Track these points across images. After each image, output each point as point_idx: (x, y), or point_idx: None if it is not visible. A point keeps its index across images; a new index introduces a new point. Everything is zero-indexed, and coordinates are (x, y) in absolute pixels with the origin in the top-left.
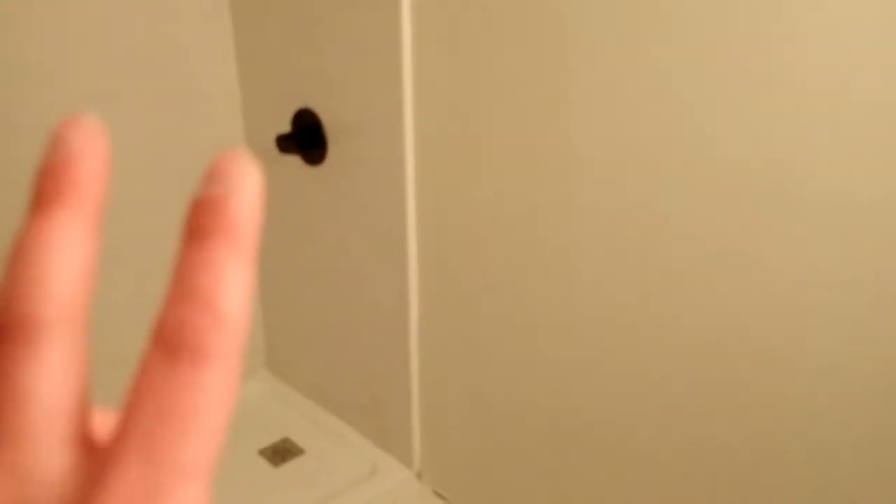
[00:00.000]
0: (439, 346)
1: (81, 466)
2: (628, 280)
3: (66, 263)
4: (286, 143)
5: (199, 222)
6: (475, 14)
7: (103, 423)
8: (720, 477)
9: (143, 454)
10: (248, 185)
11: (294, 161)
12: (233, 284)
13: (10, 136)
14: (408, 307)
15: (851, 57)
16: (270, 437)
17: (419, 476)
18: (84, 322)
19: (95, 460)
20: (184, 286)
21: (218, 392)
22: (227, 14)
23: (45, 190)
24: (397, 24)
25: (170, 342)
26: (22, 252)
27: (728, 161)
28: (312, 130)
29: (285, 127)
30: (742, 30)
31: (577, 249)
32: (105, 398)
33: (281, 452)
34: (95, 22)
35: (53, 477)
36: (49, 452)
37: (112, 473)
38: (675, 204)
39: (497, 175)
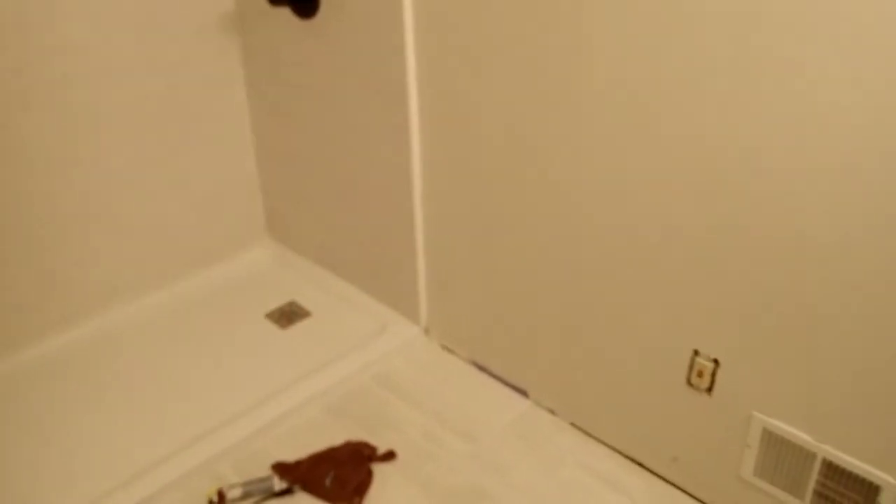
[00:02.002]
0: (442, 201)
1: None
2: (635, 119)
3: None
4: None
5: None
6: None
7: None
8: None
9: None
10: None
11: (285, 14)
12: None
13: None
14: (410, 162)
15: None
16: (276, 301)
17: (426, 331)
18: None
19: None
20: None
21: None
22: None
23: None
24: None
25: None
26: None
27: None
28: None
29: None
30: None
31: (579, 94)
32: None
33: (288, 315)
34: None
35: None
36: None
37: None
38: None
39: (501, 21)
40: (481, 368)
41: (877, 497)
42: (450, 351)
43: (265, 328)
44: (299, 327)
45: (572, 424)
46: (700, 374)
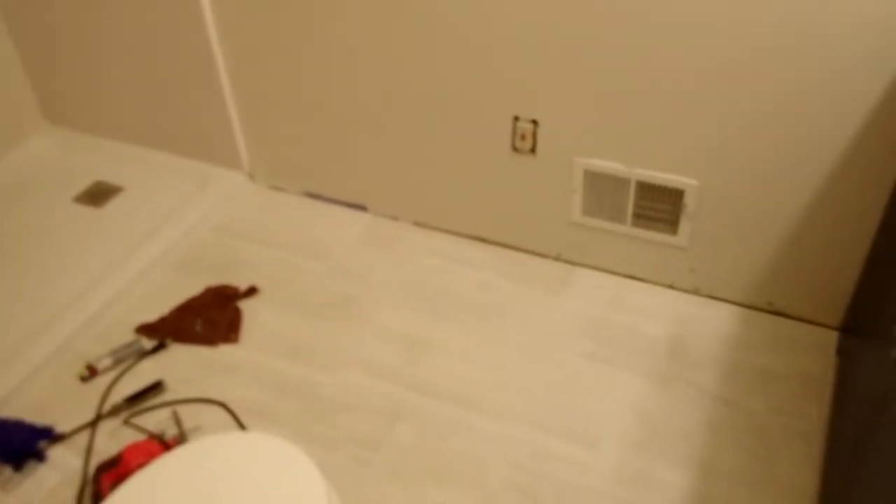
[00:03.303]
0: (241, 35)
1: None
2: None
3: None
4: None
5: None
6: None
7: None
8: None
9: None
10: None
11: None
12: None
13: None
14: (201, 9)
15: None
16: (80, 184)
17: (252, 177)
18: None
19: None
20: None
21: None
22: None
23: None
24: None
25: None
26: None
27: None
28: None
29: None
30: None
31: None
32: None
33: (98, 195)
34: None
35: None
36: None
37: None
38: None
39: None
40: (316, 197)
41: (682, 200)
42: (280, 189)
43: (79, 212)
44: (116, 203)
45: (416, 223)
46: (523, 137)
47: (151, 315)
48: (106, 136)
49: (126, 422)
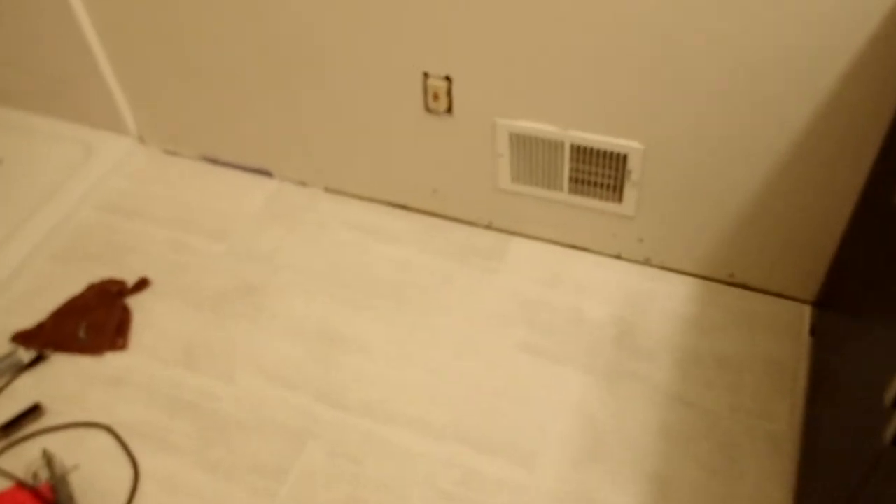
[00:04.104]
0: (110, 2)
1: None
2: None
3: None
4: None
5: None
6: None
7: None
8: None
9: None
10: None
11: None
12: None
13: None
14: None
15: None
16: None
17: (142, 140)
18: None
19: None
20: None
21: None
22: None
23: None
24: None
25: None
26: None
27: None
28: None
29: None
30: None
31: None
32: None
33: None
34: None
35: None
36: None
37: None
38: None
39: None
40: (215, 162)
41: (625, 165)
42: (174, 154)
43: None
44: None
45: (326, 189)
46: (436, 97)
47: (29, 318)
48: None
49: None
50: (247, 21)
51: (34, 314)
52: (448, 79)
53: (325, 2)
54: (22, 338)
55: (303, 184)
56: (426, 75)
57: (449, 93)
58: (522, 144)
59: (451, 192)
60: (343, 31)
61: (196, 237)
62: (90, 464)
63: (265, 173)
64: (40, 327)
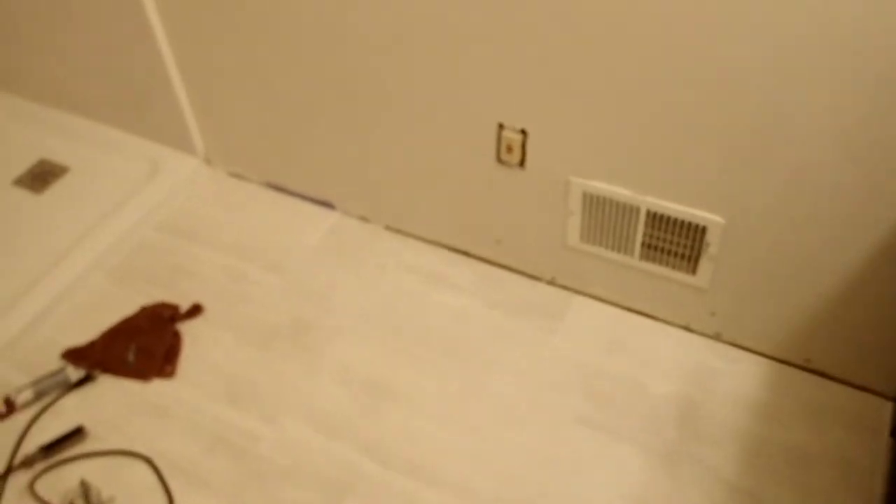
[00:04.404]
0: (186, 9)
1: None
2: None
3: None
4: None
5: None
6: None
7: None
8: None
9: None
10: None
11: None
12: None
13: None
14: None
15: None
16: (22, 163)
17: (208, 161)
18: None
19: None
20: None
21: None
22: None
23: None
24: None
25: None
26: None
27: None
28: None
29: None
30: None
31: None
32: None
33: (41, 177)
34: None
35: None
36: None
37: None
38: None
39: None
40: (279, 189)
41: (704, 237)
42: (240, 177)
43: (17, 197)
44: (58, 188)
45: (388, 227)
46: (510, 149)
47: (81, 336)
48: (54, 103)
49: (31, 487)
50: (325, 54)
51: (85, 330)
52: (523, 132)
53: (407, 43)
54: (73, 356)
55: (364, 219)
56: (501, 126)
57: (523, 146)
58: (596, 205)
59: (516, 244)
60: (421, 74)
61: (253, 266)
62: (126, 496)
63: (328, 205)
64: (91, 346)
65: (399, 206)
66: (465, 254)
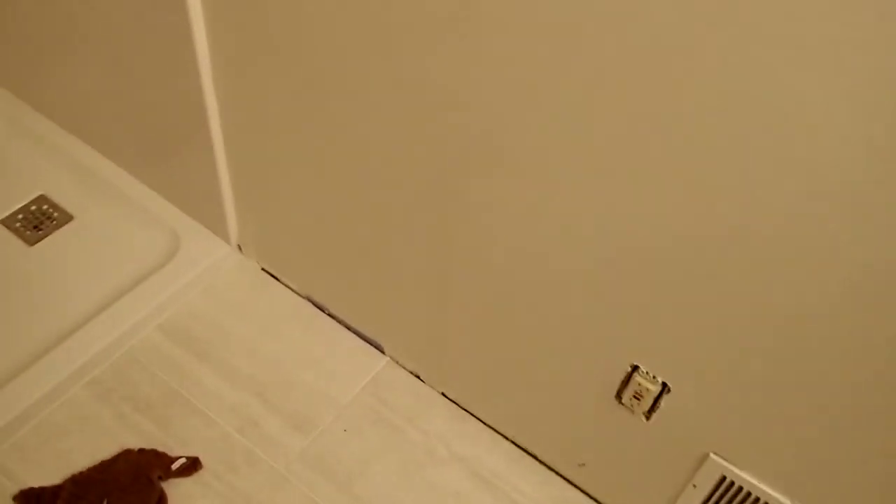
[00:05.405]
0: (242, 89)
1: None
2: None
3: None
4: None
5: None
6: None
7: None
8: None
9: None
10: None
11: None
12: None
13: None
14: (189, 25)
15: None
16: (18, 197)
17: (240, 250)
18: None
19: None
20: None
21: None
22: None
23: None
24: None
25: None
26: None
27: None
28: None
29: None
30: None
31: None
32: None
33: (37, 219)
34: None
35: None
36: None
37: None
38: None
39: None
40: (319, 308)
41: None
42: (274, 278)
43: (2, 243)
44: (54, 242)
45: (446, 395)
46: (638, 396)
47: (41, 470)
48: (70, 128)
49: None
50: (422, 166)
51: (47, 463)
52: (665, 386)
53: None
54: (25, 501)
55: (418, 377)
56: (635, 368)
57: (657, 400)
58: (730, 493)
59: (604, 475)
60: (553, 252)
61: (272, 417)
62: None
63: (376, 346)
64: (52, 492)
65: (465, 378)
66: (535, 458)
